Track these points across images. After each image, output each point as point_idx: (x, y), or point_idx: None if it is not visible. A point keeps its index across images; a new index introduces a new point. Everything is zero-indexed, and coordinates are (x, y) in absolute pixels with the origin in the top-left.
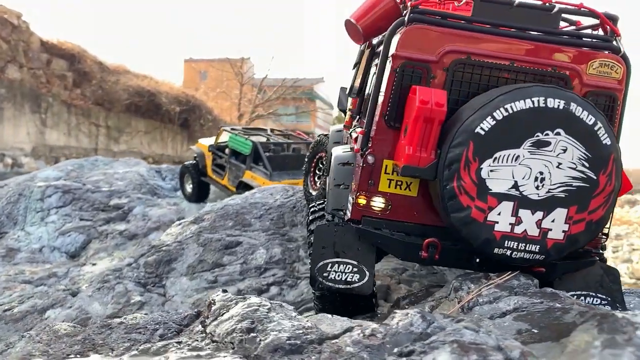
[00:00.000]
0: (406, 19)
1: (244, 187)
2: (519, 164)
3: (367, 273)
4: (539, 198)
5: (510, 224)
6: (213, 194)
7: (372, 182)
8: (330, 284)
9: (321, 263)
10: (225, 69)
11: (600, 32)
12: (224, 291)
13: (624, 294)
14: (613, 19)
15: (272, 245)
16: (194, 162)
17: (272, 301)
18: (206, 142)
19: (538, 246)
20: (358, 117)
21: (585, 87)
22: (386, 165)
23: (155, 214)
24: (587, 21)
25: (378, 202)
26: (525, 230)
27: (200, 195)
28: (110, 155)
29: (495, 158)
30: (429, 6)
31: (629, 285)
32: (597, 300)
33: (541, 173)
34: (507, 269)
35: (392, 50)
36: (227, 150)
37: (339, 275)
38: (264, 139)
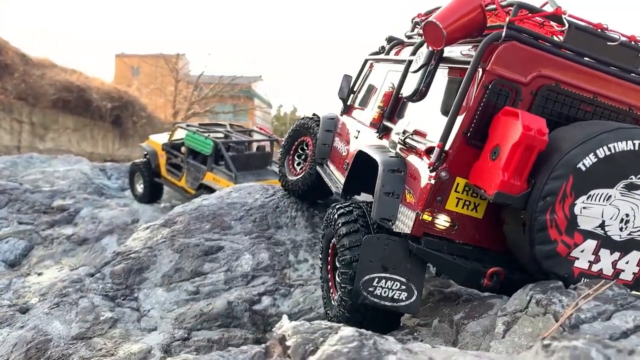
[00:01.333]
0: (503, 34)
1: (204, 190)
2: (610, 204)
3: (416, 292)
4: (620, 239)
5: (589, 261)
6: (166, 194)
7: (440, 199)
8: (375, 299)
9: (367, 277)
10: (160, 64)
11: None
12: (288, 318)
13: None
14: None
15: (259, 250)
16: (145, 160)
17: (367, 331)
18: (158, 139)
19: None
20: (388, 117)
21: None
22: (457, 184)
23: (106, 216)
24: None
25: (442, 221)
26: (601, 269)
27: (152, 196)
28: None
29: (590, 195)
30: (526, 25)
31: None
32: None
33: (627, 215)
34: None
35: (485, 64)
36: (183, 149)
37: (385, 292)
38: (224, 137)
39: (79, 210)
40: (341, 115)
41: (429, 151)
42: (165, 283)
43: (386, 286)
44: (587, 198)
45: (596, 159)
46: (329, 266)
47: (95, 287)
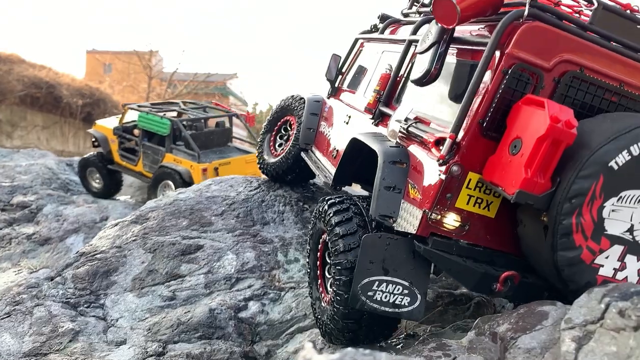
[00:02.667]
0: (525, 12)
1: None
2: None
3: (419, 296)
4: None
5: (614, 269)
6: (138, 189)
7: (450, 196)
8: (375, 305)
9: (366, 280)
10: (133, 61)
11: None
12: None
13: None
14: None
15: (243, 249)
16: (96, 153)
17: None
18: (107, 123)
19: None
20: (386, 102)
21: None
22: (470, 179)
23: (72, 213)
24: None
25: (452, 220)
26: (626, 277)
27: (112, 187)
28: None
29: (621, 197)
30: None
31: None
32: None
33: None
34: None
35: (505, 47)
36: (136, 132)
37: (386, 296)
38: (181, 116)
39: (41, 208)
40: (328, 98)
41: (438, 142)
42: (137, 287)
43: (387, 290)
44: (618, 200)
45: (630, 157)
46: (319, 265)
47: (55, 293)
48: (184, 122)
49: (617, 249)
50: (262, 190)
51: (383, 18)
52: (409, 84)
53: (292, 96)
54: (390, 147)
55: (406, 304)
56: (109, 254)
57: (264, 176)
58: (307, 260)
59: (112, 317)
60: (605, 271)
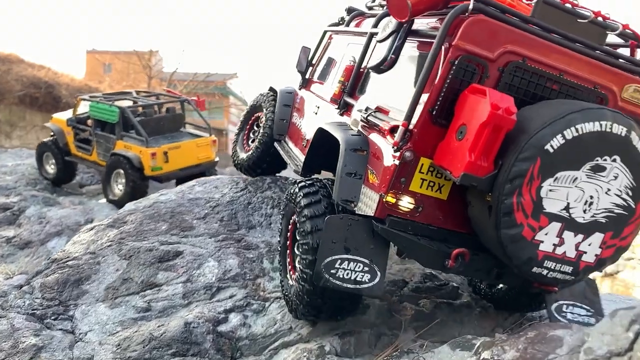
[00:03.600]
0: (470, 6)
1: (124, 162)
2: (575, 186)
3: (379, 273)
4: (584, 222)
5: (553, 244)
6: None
7: (404, 180)
8: (337, 282)
9: (329, 259)
10: (132, 61)
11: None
12: None
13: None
14: None
15: (226, 255)
16: (54, 139)
17: None
18: (63, 116)
19: (571, 268)
20: (350, 93)
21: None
22: (422, 164)
23: (56, 215)
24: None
25: (406, 202)
26: (564, 252)
27: (65, 175)
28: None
29: (557, 178)
30: None
31: None
32: (582, 311)
33: (591, 197)
34: (518, 281)
35: (451, 39)
36: (90, 122)
37: (347, 274)
38: (130, 103)
39: (24, 209)
40: (299, 89)
41: (392, 130)
42: (109, 297)
43: (349, 268)
44: (554, 180)
45: (564, 141)
46: (289, 244)
47: (20, 304)
48: (139, 109)
49: (556, 226)
50: (248, 191)
51: (350, 11)
52: (371, 75)
53: (262, 93)
54: (352, 135)
55: (367, 281)
56: (82, 261)
57: (240, 176)
58: (279, 239)
59: (81, 331)
60: (545, 247)
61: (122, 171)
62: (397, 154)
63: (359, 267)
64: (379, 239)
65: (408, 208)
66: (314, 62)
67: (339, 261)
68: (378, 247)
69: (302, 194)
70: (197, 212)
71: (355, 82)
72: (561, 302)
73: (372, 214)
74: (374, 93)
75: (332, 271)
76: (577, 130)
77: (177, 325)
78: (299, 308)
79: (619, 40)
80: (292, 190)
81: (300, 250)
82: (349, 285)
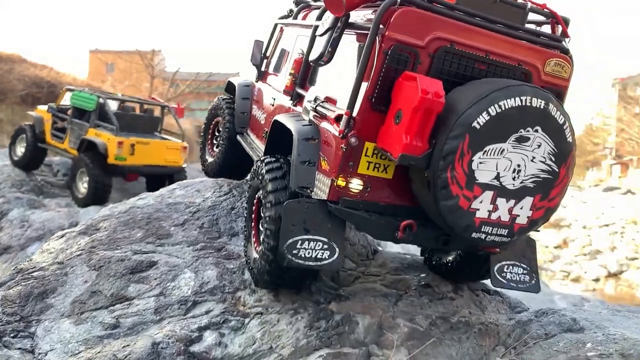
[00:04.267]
0: None
1: (87, 146)
2: (503, 157)
3: (337, 249)
4: (514, 188)
5: (488, 211)
6: (116, 191)
7: (352, 164)
8: (300, 261)
9: (291, 240)
10: (135, 61)
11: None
12: None
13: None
14: (566, 22)
15: (204, 266)
16: (33, 124)
17: None
18: (47, 107)
19: (507, 230)
20: (300, 84)
21: (541, 84)
22: (367, 148)
23: (39, 218)
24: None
25: (356, 184)
26: (499, 216)
27: (31, 162)
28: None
29: (485, 151)
30: None
31: None
32: (520, 269)
33: (518, 166)
34: (462, 246)
35: (383, 30)
36: (69, 112)
37: (309, 253)
38: (111, 96)
39: (7, 212)
40: (256, 81)
41: (337, 119)
42: (76, 312)
43: (309, 247)
44: (483, 153)
45: (489, 117)
46: (253, 217)
47: None
48: (118, 102)
49: (489, 194)
50: (232, 195)
51: (298, 3)
52: (319, 67)
53: (218, 98)
54: (303, 125)
55: (326, 257)
56: (49, 272)
57: (225, 180)
58: (244, 215)
59: (41, 350)
60: (481, 214)
61: (85, 169)
62: (343, 140)
63: (318, 246)
64: (335, 218)
65: (358, 189)
66: (267, 54)
67: (300, 242)
68: (335, 226)
69: (265, 170)
70: (175, 218)
71: (305, 73)
72: (503, 262)
73: (325, 198)
74: (322, 84)
75: (294, 251)
76: (500, 107)
77: (143, 346)
78: (262, 279)
79: (542, 19)
80: (256, 167)
81: (264, 223)
82: (310, 263)
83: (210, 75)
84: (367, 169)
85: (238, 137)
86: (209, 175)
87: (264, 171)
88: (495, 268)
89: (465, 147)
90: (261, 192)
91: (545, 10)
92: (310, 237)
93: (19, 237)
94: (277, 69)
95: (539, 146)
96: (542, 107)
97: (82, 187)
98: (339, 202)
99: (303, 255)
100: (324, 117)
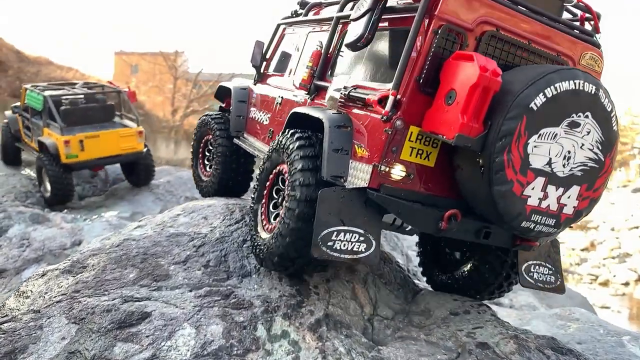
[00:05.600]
0: None
1: (42, 146)
2: (556, 142)
3: (374, 242)
4: (563, 175)
5: (539, 198)
6: (122, 197)
7: (395, 150)
8: (335, 253)
9: (326, 231)
10: (158, 62)
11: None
12: None
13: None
14: (598, 16)
15: (207, 319)
16: (8, 124)
17: None
18: (12, 108)
19: (554, 220)
20: (320, 77)
21: None
22: (411, 133)
23: (40, 236)
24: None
25: (398, 171)
26: (548, 205)
27: (7, 157)
28: None
29: (540, 134)
30: None
31: None
32: (546, 269)
33: (569, 152)
34: (503, 239)
35: (433, 10)
36: (30, 111)
37: (344, 245)
38: (59, 92)
39: (7, 229)
40: (255, 84)
41: (381, 101)
42: None
43: (345, 239)
44: (538, 137)
45: (545, 99)
46: (265, 193)
47: None
48: (67, 97)
49: (540, 181)
50: (245, 224)
51: (303, 4)
52: (344, 57)
53: (206, 115)
54: (333, 114)
55: (363, 250)
56: (21, 324)
57: (237, 203)
58: (255, 190)
59: None
60: (532, 201)
61: (44, 170)
62: (389, 123)
63: (354, 238)
64: (372, 210)
65: (400, 176)
66: (267, 56)
67: (335, 233)
68: (371, 218)
69: (296, 145)
70: (176, 254)
71: (325, 65)
72: (530, 262)
73: (366, 185)
74: (350, 73)
75: (329, 243)
76: (555, 88)
77: None
78: (271, 260)
79: (569, 15)
80: (283, 139)
81: (287, 204)
82: (346, 256)
83: (233, 76)
84: (410, 155)
85: (235, 140)
86: (205, 195)
87: (293, 146)
88: (523, 267)
89: (522, 128)
90: (286, 167)
91: (580, 3)
92: (346, 228)
93: (16, 259)
94: (281, 69)
95: (588, 133)
96: (593, 92)
97: (48, 186)
98: (380, 189)
99: (338, 248)
100: (358, 103)
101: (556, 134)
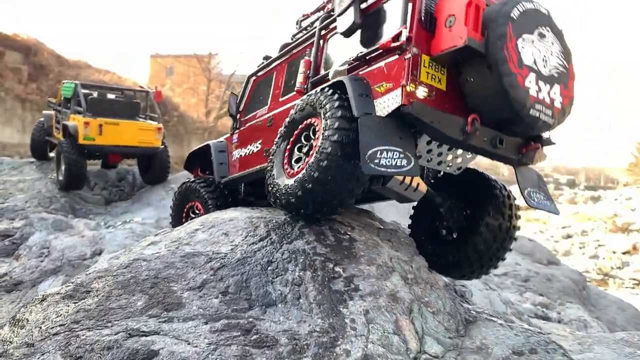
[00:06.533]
0: None
1: (65, 131)
2: (534, 46)
3: (412, 158)
4: (547, 74)
5: (536, 90)
6: (149, 203)
7: (416, 73)
8: (382, 169)
9: (371, 151)
10: (192, 64)
11: None
12: None
13: None
14: None
15: (224, 358)
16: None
17: None
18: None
19: (551, 111)
20: (314, 74)
21: None
22: (424, 60)
23: (60, 245)
24: None
25: (422, 91)
26: (544, 97)
27: (36, 150)
28: None
29: (523, 38)
30: None
31: (596, 282)
32: (542, 195)
33: (545, 56)
34: (513, 151)
35: None
36: (62, 104)
37: (388, 161)
38: (90, 84)
39: (27, 237)
40: (233, 134)
41: (395, 39)
42: None
43: (388, 157)
44: (522, 40)
45: (519, 12)
46: (291, 140)
47: None
48: (96, 87)
49: (533, 76)
50: (270, 242)
51: (266, 58)
52: (335, 46)
53: (188, 181)
54: (349, 76)
55: (405, 164)
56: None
57: (263, 217)
58: (279, 138)
59: None
60: (532, 92)
61: (62, 154)
62: (406, 50)
63: (395, 155)
64: (405, 131)
65: (424, 94)
66: (241, 107)
67: (379, 152)
68: (405, 138)
69: (330, 99)
70: (191, 279)
71: (317, 68)
72: (529, 189)
73: (399, 104)
74: (346, 52)
75: (376, 160)
76: (523, 6)
77: None
78: (289, 201)
79: None
80: (316, 97)
81: (320, 152)
82: (392, 170)
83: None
84: (427, 78)
85: (221, 184)
86: None
87: (326, 99)
88: (525, 193)
89: (510, 31)
90: (320, 118)
91: None
92: (387, 147)
93: (33, 270)
94: (261, 106)
95: (552, 44)
96: (546, 13)
97: (63, 170)
98: (412, 104)
99: (384, 164)
100: (364, 63)
101: (533, 40)
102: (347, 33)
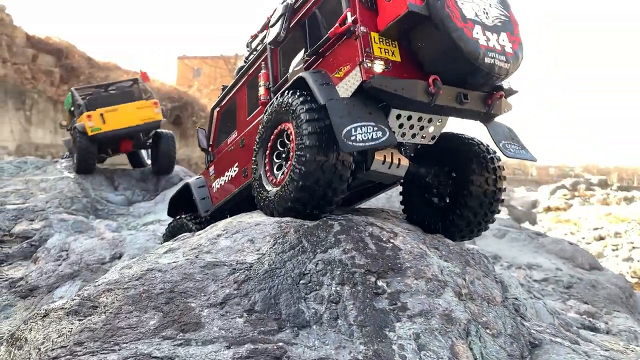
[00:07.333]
0: None
1: (78, 132)
2: (472, 1)
3: (386, 129)
4: (491, 25)
5: (485, 40)
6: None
7: (368, 50)
8: (360, 144)
9: (345, 130)
10: (219, 65)
11: None
12: None
13: None
14: None
15: None
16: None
17: None
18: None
19: (504, 57)
20: (274, 83)
21: None
22: (373, 37)
23: (79, 248)
24: None
25: (379, 64)
26: (494, 45)
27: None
28: None
29: None
30: None
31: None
32: (517, 146)
33: (485, 9)
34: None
35: None
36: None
37: (364, 135)
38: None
39: (46, 238)
40: (208, 167)
41: (341, 23)
42: None
43: (363, 132)
44: None
45: None
46: (268, 154)
47: None
48: (89, 89)
49: (478, 28)
50: (302, 250)
51: (224, 88)
52: (286, 57)
53: (178, 217)
54: (307, 71)
55: (380, 136)
56: None
57: (292, 221)
58: (256, 152)
59: None
60: (482, 42)
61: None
62: (355, 31)
63: (370, 129)
64: (374, 106)
65: (381, 67)
66: (211, 139)
67: (353, 129)
68: (375, 112)
69: (298, 102)
70: (212, 293)
71: (275, 77)
72: (503, 141)
73: (360, 80)
74: (299, 56)
75: (352, 137)
76: None
77: None
78: (284, 206)
79: None
80: (283, 101)
81: (298, 150)
82: (370, 144)
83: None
84: (381, 52)
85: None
86: None
87: (290, 98)
88: (501, 145)
89: None
90: (290, 116)
91: None
92: (360, 123)
93: (50, 274)
94: (228, 133)
95: None
96: None
97: (76, 155)
98: (373, 78)
99: (361, 139)
100: (317, 56)
101: None
102: (274, 43)
